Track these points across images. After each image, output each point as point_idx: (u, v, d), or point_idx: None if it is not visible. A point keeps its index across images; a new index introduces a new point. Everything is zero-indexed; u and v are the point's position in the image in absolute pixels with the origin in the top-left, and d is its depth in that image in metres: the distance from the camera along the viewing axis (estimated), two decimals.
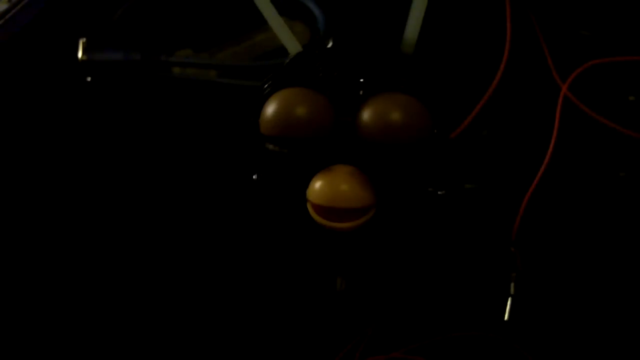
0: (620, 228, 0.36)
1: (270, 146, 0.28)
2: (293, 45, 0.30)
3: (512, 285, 0.34)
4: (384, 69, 0.29)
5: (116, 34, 0.45)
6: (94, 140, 0.40)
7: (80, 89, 0.42)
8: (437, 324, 0.33)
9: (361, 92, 0.27)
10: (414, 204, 0.30)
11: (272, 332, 0.31)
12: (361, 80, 0.28)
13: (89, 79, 0.43)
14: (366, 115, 0.27)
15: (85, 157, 0.38)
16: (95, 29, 0.45)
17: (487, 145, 0.39)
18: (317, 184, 0.28)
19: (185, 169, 0.38)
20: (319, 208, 0.28)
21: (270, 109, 0.28)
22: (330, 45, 0.31)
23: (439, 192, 0.30)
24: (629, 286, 0.34)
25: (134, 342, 0.30)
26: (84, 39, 0.42)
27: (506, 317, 0.33)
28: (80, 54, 0.42)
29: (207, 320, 0.31)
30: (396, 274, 0.34)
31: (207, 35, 0.46)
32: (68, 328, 0.30)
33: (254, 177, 0.31)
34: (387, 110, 0.27)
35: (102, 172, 0.38)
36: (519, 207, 0.36)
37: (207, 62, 0.44)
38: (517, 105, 0.41)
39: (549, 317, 0.34)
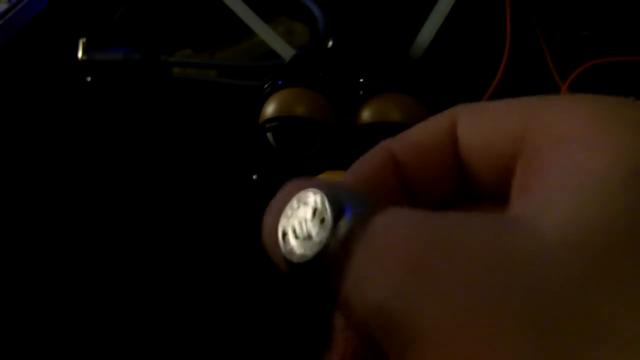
0: None
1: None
2: (286, 51, 0.30)
3: None
4: (383, 69, 0.29)
5: (116, 34, 0.45)
6: (94, 140, 0.40)
7: (80, 89, 0.42)
8: None
9: (361, 92, 0.27)
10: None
11: (271, 332, 0.31)
12: (361, 80, 0.28)
13: (89, 79, 0.43)
14: (366, 114, 0.27)
15: (85, 157, 0.38)
16: (95, 29, 0.45)
17: None
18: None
19: (186, 168, 0.38)
20: None
21: (270, 109, 0.28)
22: (330, 45, 0.31)
23: None
24: None
25: (134, 342, 0.30)
26: (84, 39, 0.42)
27: None
28: (80, 54, 0.42)
29: (207, 320, 0.31)
30: None
31: (207, 35, 0.46)
32: (68, 328, 0.30)
33: (254, 177, 0.31)
34: (386, 110, 0.27)
35: (102, 172, 0.38)
36: None
37: (207, 62, 0.44)
38: None
39: None
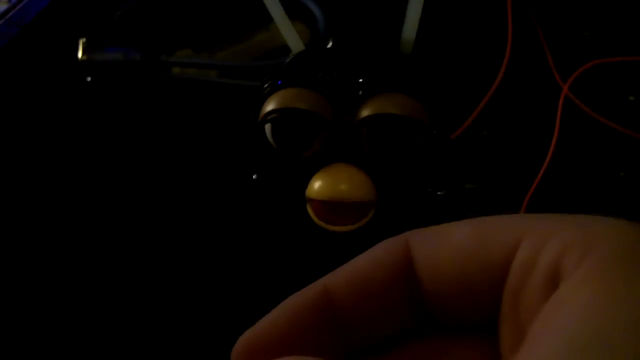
0: None
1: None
2: (296, 44, 0.30)
3: None
4: (383, 69, 0.29)
5: (116, 34, 0.45)
6: (94, 140, 0.40)
7: (80, 89, 0.42)
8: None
9: (360, 92, 0.27)
10: (414, 204, 0.30)
11: None
12: (360, 80, 0.28)
13: (89, 79, 0.42)
14: (365, 115, 0.27)
15: (85, 157, 0.38)
16: (95, 29, 0.45)
17: (487, 145, 0.39)
18: (317, 180, 0.28)
19: (185, 168, 0.38)
20: (319, 204, 0.28)
21: (269, 107, 0.28)
22: (330, 45, 0.31)
23: (438, 192, 0.30)
24: None
25: (134, 342, 0.30)
26: (84, 39, 0.42)
27: None
28: (80, 54, 0.42)
29: (206, 320, 0.31)
30: None
31: (207, 35, 0.46)
32: (68, 328, 0.30)
33: (254, 177, 0.31)
34: (386, 110, 0.27)
35: (102, 172, 0.38)
36: (520, 207, 0.36)
37: (207, 62, 0.44)
38: (518, 105, 0.41)
39: None
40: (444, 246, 0.15)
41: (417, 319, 0.15)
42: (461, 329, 0.15)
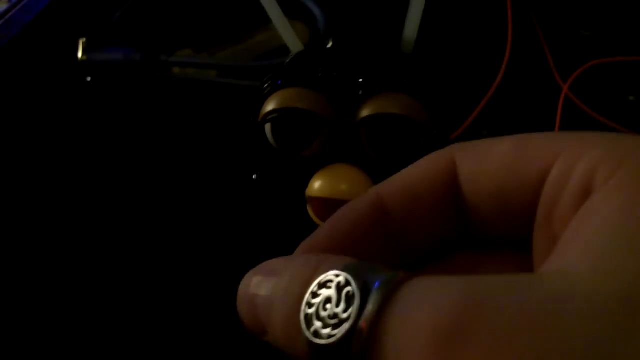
0: None
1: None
2: (295, 44, 0.30)
3: None
4: (383, 69, 0.29)
5: (116, 34, 0.45)
6: (94, 140, 0.40)
7: (80, 89, 0.42)
8: None
9: (360, 92, 0.27)
10: None
11: None
12: (360, 80, 0.28)
13: (89, 79, 0.42)
14: (365, 115, 0.27)
15: (85, 157, 0.38)
16: (95, 29, 0.45)
17: None
18: (317, 179, 0.28)
19: (185, 168, 0.38)
20: (319, 203, 0.28)
21: (269, 107, 0.28)
22: (330, 45, 0.31)
23: None
24: None
25: (133, 342, 0.30)
26: (84, 39, 0.42)
27: None
28: (80, 54, 0.42)
29: (206, 320, 0.31)
30: None
31: (207, 35, 0.46)
32: (68, 328, 0.30)
33: (254, 177, 0.31)
34: (386, 110, 0.27)
35: (102, 172, 0.38)
36: None
37: (207, 62, 0.44)
38: (518, 105, 0.41)
39: None
40: (486, 160, 0.15)
41: (459, 231, 0.16)
42: (498, 244, 0.16)
